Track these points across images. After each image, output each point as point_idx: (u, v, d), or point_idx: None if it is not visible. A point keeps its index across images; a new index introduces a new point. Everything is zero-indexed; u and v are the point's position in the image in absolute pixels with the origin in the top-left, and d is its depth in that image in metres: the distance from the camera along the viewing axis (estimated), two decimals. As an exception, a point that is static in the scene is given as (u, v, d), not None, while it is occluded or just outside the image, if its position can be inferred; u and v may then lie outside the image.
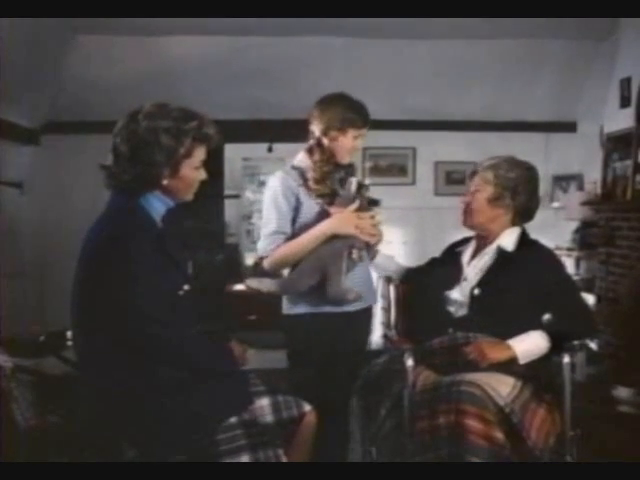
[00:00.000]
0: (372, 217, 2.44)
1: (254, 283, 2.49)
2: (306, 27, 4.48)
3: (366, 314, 2.63)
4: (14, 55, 3.91)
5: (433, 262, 2.67)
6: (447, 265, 2.53)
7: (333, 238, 2.40)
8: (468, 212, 2.47)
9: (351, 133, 2.46)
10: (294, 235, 2.46)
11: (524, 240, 2.44)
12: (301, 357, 2.55)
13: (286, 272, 2.57)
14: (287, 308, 2.57)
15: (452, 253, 2.59)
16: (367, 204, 2.47)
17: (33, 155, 5.05)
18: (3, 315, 3.28)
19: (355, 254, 2.43)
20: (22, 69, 4.16)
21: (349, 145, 2.49)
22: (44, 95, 4.86)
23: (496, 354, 2.16)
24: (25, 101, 4.67)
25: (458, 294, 2.40)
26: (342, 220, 2.39)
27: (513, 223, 2.45)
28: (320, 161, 2.47)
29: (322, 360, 2.48)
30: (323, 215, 2.45)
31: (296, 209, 2.48)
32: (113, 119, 1.95)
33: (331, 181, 2.48)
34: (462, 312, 2.36)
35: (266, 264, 2.48)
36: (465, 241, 2.60)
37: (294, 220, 2.48)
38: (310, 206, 2.47)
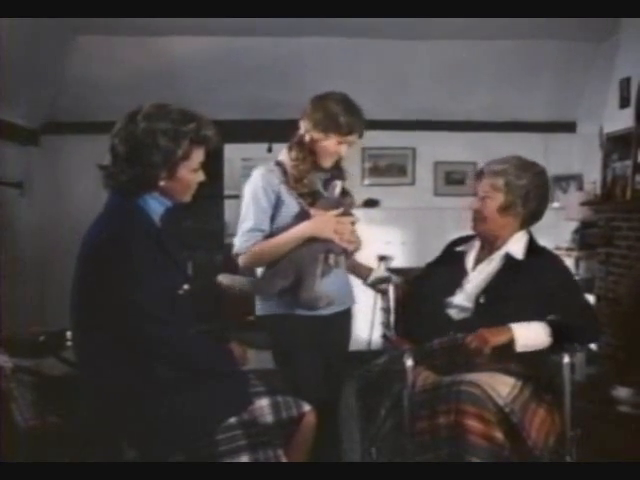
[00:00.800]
0: (352, 223, 2.39)
1: (227, 280, 2.39)
2: (306, 27, 4.47)
3: (344, 316, 2.56)
4: (14, 55, 3.91)
5: (431, 266, 2.60)
6: (448, 266, 2.47)
7: (311, 241, 2.33)
8: (479, 219, 2.41)
9: (334, 138, 2.37)
10: (272, 233, 2.39)
11: (532, 247, 2.39)
12: (278, 358, 2.49)
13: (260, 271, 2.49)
14: (259, 309, 2.49)
15: (452, 253, 2.53)
16: (349, 210, 2.41)
17: (33, 155, 5.05)
18: (3, 315, 3.28)
19: (332, 259, 2.37)
20: (22, 69, 4.16)
21: (331, 149, 2.39)
22: (44, 95, 4.86)
23: (496, 337, 2.13)
24: (25, 101, 4.66)
25: (462, 299, 2.35)
26: (322, 223, 2.33)
27: (522, 227, 2.41)
28: (296, 159, 2.40)
29: (300, 361, 2.41)
30: (303, 215, 2.38)
31: (276, 207, 2.39)
32: (113, 120, 1.94)
33: (310, 181, 2.40)
34: (465, 315, 2.32)
35: (241, 261, 2.40)
36: (465, 239, 2.54)
37: (273, 218, 2.40)
38: (290, 205, 2.40)
